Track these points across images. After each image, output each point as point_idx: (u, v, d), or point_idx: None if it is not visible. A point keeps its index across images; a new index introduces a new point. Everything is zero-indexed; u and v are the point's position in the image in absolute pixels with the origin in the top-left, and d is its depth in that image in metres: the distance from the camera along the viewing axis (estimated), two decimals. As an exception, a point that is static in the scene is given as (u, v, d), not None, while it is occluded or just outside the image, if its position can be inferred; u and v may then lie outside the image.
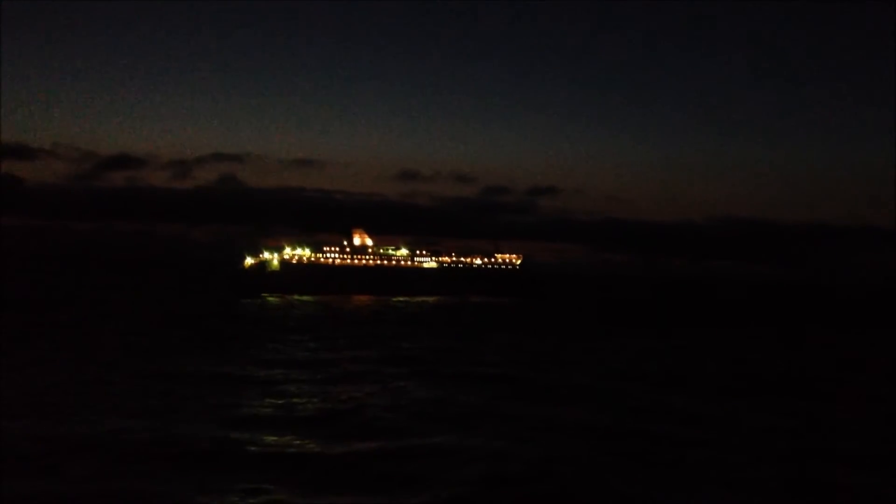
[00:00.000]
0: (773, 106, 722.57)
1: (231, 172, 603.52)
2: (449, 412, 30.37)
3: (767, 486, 22.40)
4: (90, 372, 37.06)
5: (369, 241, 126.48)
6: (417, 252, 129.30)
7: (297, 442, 25.36)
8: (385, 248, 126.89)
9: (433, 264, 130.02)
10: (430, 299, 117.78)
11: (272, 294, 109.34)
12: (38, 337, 50.52)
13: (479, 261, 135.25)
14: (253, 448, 24.39)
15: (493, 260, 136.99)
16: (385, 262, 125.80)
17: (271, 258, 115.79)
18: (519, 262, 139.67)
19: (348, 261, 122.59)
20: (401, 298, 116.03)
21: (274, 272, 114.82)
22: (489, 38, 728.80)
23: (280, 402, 31.89)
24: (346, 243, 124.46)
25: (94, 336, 52.19)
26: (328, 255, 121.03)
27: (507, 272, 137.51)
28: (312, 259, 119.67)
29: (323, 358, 45.79)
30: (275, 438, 25.60)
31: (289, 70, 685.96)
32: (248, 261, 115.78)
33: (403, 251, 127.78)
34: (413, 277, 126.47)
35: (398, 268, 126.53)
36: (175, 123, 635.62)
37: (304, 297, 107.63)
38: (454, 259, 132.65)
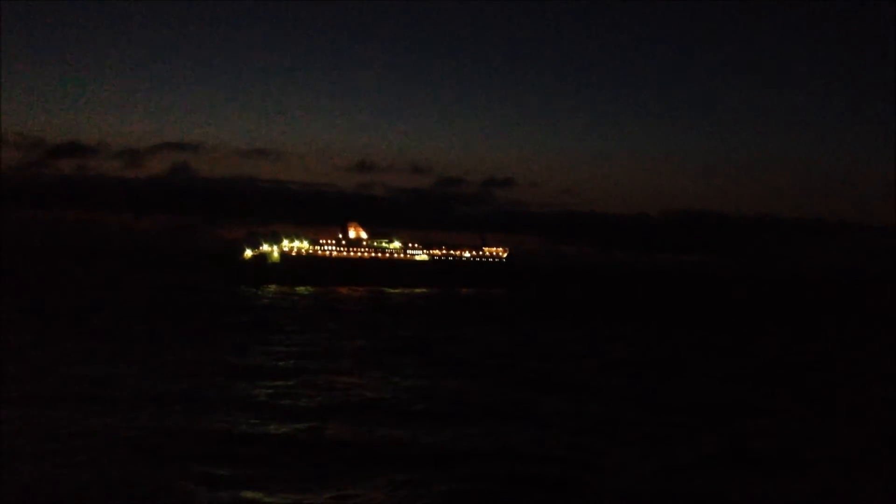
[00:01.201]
0: (727, 100, 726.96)
1: (184, 162, 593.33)
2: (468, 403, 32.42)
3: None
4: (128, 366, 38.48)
5: (364, 235, 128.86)
6: (410, 245, 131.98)
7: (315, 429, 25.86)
8: (379, 241, 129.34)
9: (425, 257, 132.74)
10: (422, 291, 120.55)
11: (273, 285, 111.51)
12: (47, 327, 51.57)
13: (467, 254, 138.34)
14: (270, 435, 24.85)
15: (481, 253, 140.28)
16: (379, 254, 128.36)
17: (271, 250, 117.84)
18: (505, 255, 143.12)
19: (344, 253, 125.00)
20: (394, 290, 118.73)
21: (275, 264, 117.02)
22: (447, 31, 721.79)
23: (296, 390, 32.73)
24: (341, 236, 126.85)
25: (119, 327, 53.41)
26: (325, 247, 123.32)
27: (495, 265, 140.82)
28: (310, 251, 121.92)
29: (334, 347, 47.61)
30: (293, 427, 25.92)
31: (244, 59, 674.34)
32: (248, 253, 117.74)
33: (396, 244, 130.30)
34: (406, 270, 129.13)
35: (391, 260, 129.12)
36: (127, 112, 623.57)
37: (302, 289, 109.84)
38: (444, 252, 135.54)
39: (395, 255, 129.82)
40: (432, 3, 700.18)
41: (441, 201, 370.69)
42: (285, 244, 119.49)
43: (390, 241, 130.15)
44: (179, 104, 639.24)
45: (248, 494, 19.15)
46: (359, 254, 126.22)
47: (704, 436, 26.77)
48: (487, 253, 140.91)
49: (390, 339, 53.06)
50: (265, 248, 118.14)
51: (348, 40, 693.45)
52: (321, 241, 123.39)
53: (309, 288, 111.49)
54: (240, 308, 76.02)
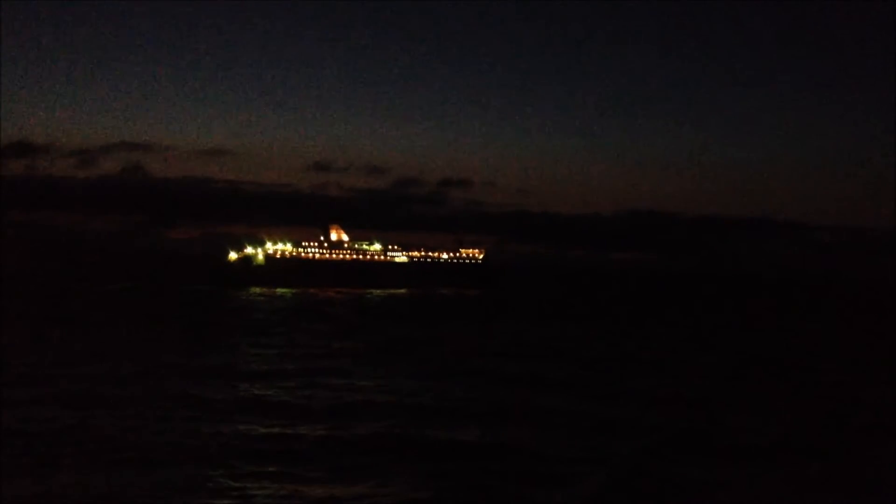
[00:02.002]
0: (678, 101, 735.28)
1: (137, 162, 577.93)
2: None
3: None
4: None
5: (345, 237, 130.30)
6: (389, 247, 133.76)
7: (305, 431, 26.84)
8: (360, 243, 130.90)
9: (404, 259, 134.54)
10: (401, 291, 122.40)
11: (257, 287, 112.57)
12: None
13: (445, 255, 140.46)
14: (258, 438, 25.81)
15: (457, 254, 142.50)
16: (360, 256, 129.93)
17: (255, 253, 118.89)
18: (481, 256, 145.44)
19: (327, 255, 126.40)
20: (374, 291, 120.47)
21: (259, 266, 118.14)
22: (403, 31, 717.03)
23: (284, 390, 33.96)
24: (322, 238, 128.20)
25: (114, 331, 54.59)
26: (308, 249, 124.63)
27: (471, 265, 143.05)
28: (294, 254, 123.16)
29: (329, 349, 49.06)
30: (279, 429, 26.95)
31: (199, 58, 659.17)
32: (232, 255, 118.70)
33: (377, 246, 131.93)
34: (386, 271, 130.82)
35: (372, 262, 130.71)
36: (80, 111, 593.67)
37: (285, 291, 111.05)
38: (423, 254, 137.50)
39: (376, 256, 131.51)
40: (388, 2, 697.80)
41: (398, 202, 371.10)
42: (269, 246, 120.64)
43: (371, 244, 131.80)
44: (133, 103, 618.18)
45: (289, 487, 20.92)
46: (340, 256, 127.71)
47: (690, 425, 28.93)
48: (464, 254, 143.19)
49: (380, 340, 54.33)
50: (249, 250, 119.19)
51: (304, 40, 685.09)
52: (304, 244, 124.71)
53: (292, 290, 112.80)
54: (233, 310, 77.39)
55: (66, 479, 20.87)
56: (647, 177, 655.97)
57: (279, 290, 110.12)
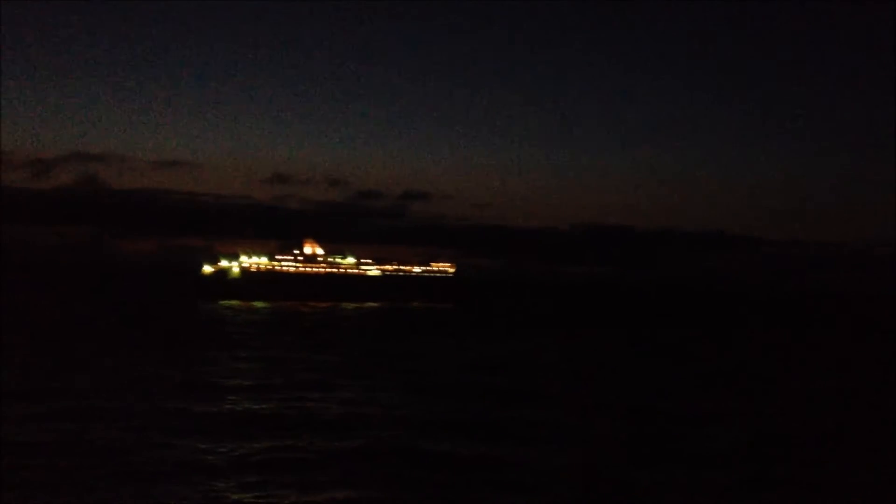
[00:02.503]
0: (632, 116, 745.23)
1: (93, 173, 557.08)
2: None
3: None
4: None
5: (320, 251, 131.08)
6: (363, 261, 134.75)
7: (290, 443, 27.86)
8: (334, 256, 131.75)
9: (377, 272, 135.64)
10: (374, 305, 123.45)
11: (233, 300, 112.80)
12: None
13: (417, 269, 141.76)
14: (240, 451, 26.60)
15: (429, 268, 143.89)
16: (334, 270, 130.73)
17: (230, 266, 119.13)
18: (453, 270, 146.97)
19: (301, 269, 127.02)
20: (348, 304, 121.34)
21: (235, 279, 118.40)
22: (362, 44, 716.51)
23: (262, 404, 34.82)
24: (297, 252, 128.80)
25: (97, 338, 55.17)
26: (283, 263, 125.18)
27: (443, 280, 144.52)
28: (269, 267, 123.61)
29: (313, 363, 50.11)
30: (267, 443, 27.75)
31: (156, 69, 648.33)
32: (207, 268, 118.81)
33: (350, 259, 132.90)
34: (359, 285, 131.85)
35: (346, 275, 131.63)
36: (34, 121, 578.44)
37: (261, 304, 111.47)
38: (395, 267, 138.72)
39: (349, 270, 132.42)
40: (347, 15, 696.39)
41: (358, 215, 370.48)
42: (244, 260, 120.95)
43: (344, 257, 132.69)
44: (89, 113, 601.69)
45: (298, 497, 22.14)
46: (315, 270, 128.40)
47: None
48: (436, 268, 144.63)
49: (358, 354, 55.21)
50: (224, 263, 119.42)
51: (263, 51, 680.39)
52: (278, 258, 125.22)
53: (268, 303, 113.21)
54: (211, 323, 77.83)
55: (73, 495, 21.45)
56: (603, 191, 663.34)
57: (256, 304, 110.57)
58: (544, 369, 51.01)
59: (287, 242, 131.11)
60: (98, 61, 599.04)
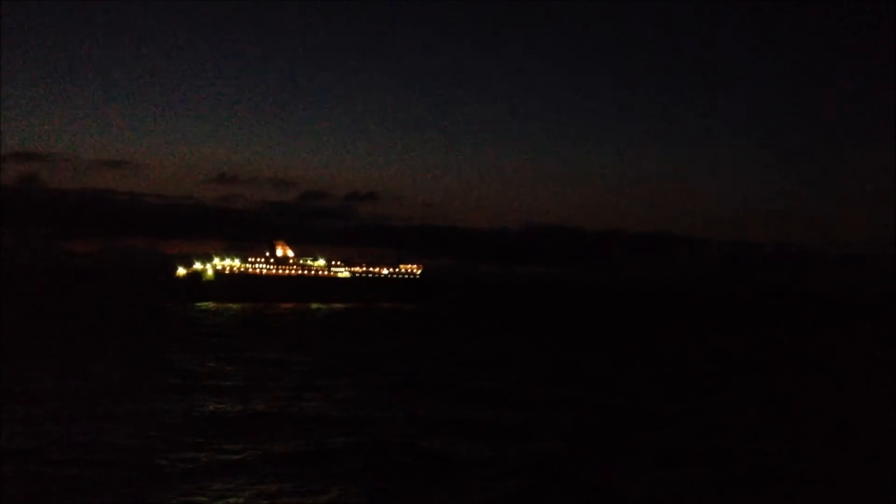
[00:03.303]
0: (584, 117, 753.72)
1: (34, 173, 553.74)
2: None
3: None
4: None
5: (290, 253, 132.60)
6: (333, 263, 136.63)
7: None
8: (305, 258, 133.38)
9: (346, 274, 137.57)
10: (344, 306, 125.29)
11: (207, 302, 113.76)
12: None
13: (385, 270, 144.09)
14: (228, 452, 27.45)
15: (397, 270, 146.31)
16: (305, 271, 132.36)
17: (204, 268, 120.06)
18: (419, 272, 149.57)
19: (273, 271, 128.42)
20: (319, 305, 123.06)
21: (209, 281, 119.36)
22: (310, 44, 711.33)
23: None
24: (268, 254, 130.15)
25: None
26: (256, 265, 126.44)
27: (410, 281, 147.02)
28: (242, 269, 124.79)
29: (295, 365, 51.81)
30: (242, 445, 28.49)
31: (99, 68, 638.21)
32: (181, 270, 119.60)
33: (321, 262, 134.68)
34: (329, 286, 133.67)
35: (316, 277, 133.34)
36: None
37: (235, 306, 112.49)
38: (364, 269, 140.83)
39: (320, 272, 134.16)
40: (294, 16, 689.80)
41: (304, 215, 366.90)
42: (217, 262, 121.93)
43: (315, 259, 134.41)
44: (30, 112, 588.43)
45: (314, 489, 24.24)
46: (286, 271, 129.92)
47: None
48: (403, 269, 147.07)
49: (338, 354, 56.85)
50: (198, 265, 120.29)
51: (207, 52, 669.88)
52: (250, 260, 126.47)
53: (241, 304, 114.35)
54: (189, 325, 79.01)
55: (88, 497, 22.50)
56: (553, 192, 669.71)
57: (230, 306, 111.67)
58: (517, 371, 53.13)
59: (233, 243, 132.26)
60: (39, 62, 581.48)
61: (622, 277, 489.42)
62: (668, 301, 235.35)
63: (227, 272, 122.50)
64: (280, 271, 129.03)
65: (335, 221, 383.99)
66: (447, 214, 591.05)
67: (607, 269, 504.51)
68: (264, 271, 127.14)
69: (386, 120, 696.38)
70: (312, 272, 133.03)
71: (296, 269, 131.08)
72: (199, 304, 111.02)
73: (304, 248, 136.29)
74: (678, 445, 31.16)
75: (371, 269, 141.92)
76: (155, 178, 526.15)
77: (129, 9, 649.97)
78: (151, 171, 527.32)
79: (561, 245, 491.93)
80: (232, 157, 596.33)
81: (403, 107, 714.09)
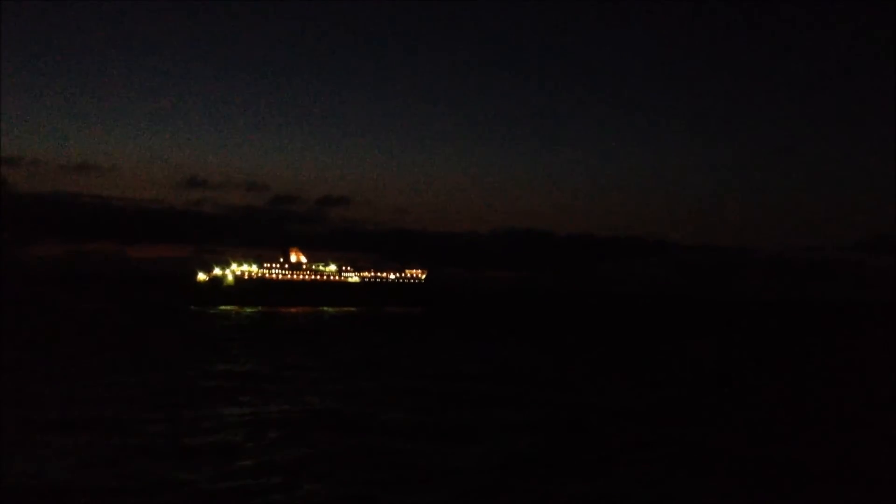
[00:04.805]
0: (554, 122, 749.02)
1: (2, 177, 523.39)
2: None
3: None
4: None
5: (304, 259, 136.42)
6: (343, 268, 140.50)
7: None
8: (317, 264, 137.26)
9: (356, 279, 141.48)
10: (353, 309, 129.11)
11: (227, 306, 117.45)
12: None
13: (392, 275, 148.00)
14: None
15: (403, 274, 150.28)
16: (317, 277, 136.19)
17: (224, 274, 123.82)
18: (424, 276, 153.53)
19: (287, 276, 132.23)
20: (329, 309, 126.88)
21: (229, 286, 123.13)
22: (283, 48, 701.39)
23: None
24: (283, 260, 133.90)
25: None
26: (271, 271, 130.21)
27: (415, 285, 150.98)
28: (259, 275, 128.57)
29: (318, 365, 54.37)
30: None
31: (67, 70, 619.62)
32: (201, 276, 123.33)
33: (332, 267, 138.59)
34: (340, 290, 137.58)
35: (328, 282, 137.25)
36: None
37: (251, 309, 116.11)
38: (373, 274, 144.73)
39: (331, 277, 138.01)
40: (265, 19, 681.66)
41: (275, 219, 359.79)
42: (235, 268, 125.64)
43: (326, 265, 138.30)
44: None
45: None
46: (300, 277, 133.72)
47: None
48: (409, 274, 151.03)
49: (364, 355, 58.45)
50: (218, 271, 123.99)
51: (177, 55, 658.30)
52: (266, 265, 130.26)
53: (259, 308, 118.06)
54: (218, 329, 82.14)
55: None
56: (523, 196, 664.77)
57: (247, 309, 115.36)
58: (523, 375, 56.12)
59: (203, 247, 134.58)
60: (7, 64, 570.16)
61: (592, 281, 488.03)
62: (639, 304, 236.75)
63: (245, 277, 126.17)
64: (294, 276, 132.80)
65: (307, 226, 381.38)
66: (418, 219, 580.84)
67: (577, 273, 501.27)
68: (279, 276, 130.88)
69: (358, 125, 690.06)
70: (324, 277, 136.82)
71: (309, 275, 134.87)
72: (220, 307, 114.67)
73: (272, 252, 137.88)
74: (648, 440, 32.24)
75: (379, 274, 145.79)
76: (124, 182, 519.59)
77: (97, 11, 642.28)
78: (119, 175, 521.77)
79: (531, 249, 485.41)
80: (203, 161, 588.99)
81: (376, 112, 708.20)
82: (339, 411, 35.51)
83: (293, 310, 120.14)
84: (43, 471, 23.34)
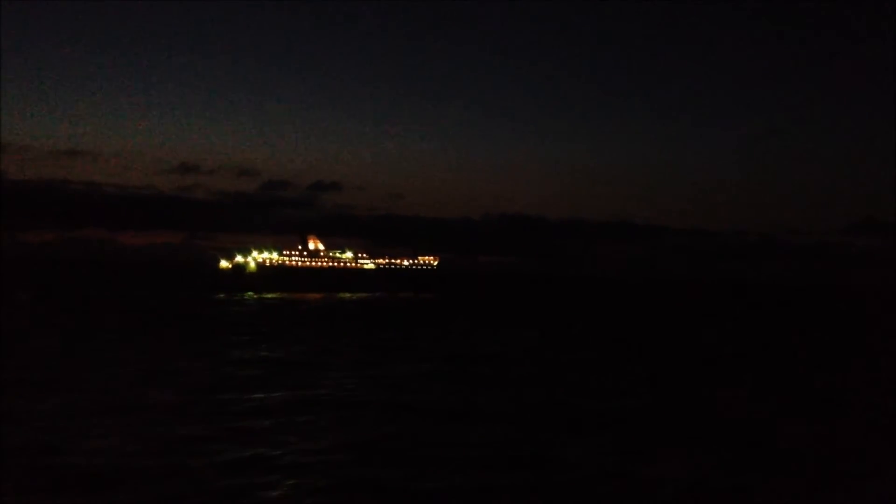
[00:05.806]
0: (545, 107, 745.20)
1: None
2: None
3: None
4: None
5: (321, 246, 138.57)
6: (359, 255, 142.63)
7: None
8: (334, 251, 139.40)
9: (372, 265, 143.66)
10: (369, 295, 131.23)
11: (249, 293, 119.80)
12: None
13: (406, 262, 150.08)
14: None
15: (416, 261, 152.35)
16: (334, 263, 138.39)
17: (247, 261, 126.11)
18: (436, 263, 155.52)
19: (307, 263, 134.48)
20: (346, 294, 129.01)
21: (251, 273, 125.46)
22: (273, 35, 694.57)
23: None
24: (301, 247, 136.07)
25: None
26: (291, 258, 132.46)
27: (428, 271, 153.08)
28: (279, 262, 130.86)
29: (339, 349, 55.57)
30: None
31: (56, 56, 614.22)
32: (224, 263, 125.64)
33: (349, 254, 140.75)
34: (357, 277, 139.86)
35: (345, 269, 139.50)
36: None
37: (271, 295, 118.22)
38: (387, 261, 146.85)
39: (348, 263, 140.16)
40: (256, 6, 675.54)
41: (266, 205, 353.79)
42: (257, 255, 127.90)
43: (343, 252, 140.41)
44: None
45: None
46: (318, 263, 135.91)
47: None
48: (421, 261, 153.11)
49: (387, 339, 60.13)
50: (240, 259, 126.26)
51: (167, 41, 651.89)
52: (285, 252, 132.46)
53: (280, 294, 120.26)
54: (247, 315, 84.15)
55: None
56: (515, 181, 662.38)
57: (268, 295, 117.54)
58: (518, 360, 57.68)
59: (195, 233, 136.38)
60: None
61: (581, 266, 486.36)
62: (630, 288, 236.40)
63: (267, 265, 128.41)
64: (313, 263, 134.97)
65: (299, 211, 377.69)
66: (411, 204, 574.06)
67: (569, 257, 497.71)
68: (299, 263, 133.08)
69: (351, 110, 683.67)
70: (341, 264, 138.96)
71: (326, 262, 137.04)
72: (241, 294, 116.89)
73: (259, 238, 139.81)
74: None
75: (393, 260, 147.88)
76: (114, 168, 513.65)
77: (90, 1, 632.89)
78: (109, 162, 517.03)
79: (523, 234, 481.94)
80: (193, 147, 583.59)
81: (368, 97, 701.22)
82: (386, 395, 36.46)
83: (313, 295, 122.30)
84: (101, 451, 24.18)
